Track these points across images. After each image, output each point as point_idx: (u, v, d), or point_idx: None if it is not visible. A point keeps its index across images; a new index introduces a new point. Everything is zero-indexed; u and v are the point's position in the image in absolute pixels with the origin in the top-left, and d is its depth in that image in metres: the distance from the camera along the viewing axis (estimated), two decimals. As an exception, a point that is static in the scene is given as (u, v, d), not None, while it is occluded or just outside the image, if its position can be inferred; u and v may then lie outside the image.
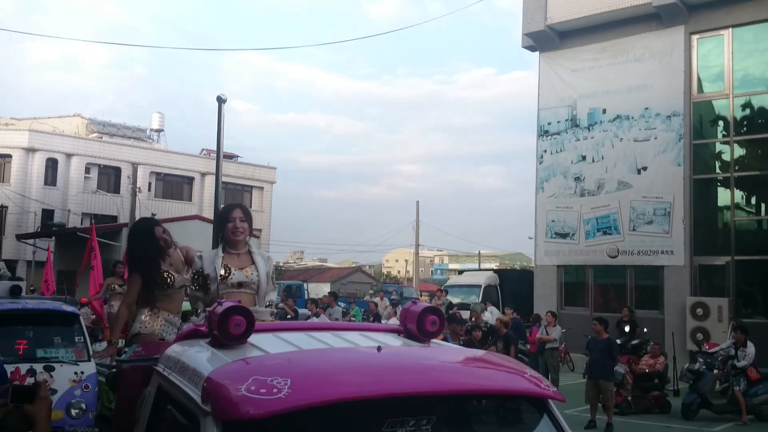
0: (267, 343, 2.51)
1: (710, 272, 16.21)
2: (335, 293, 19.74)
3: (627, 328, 15.03)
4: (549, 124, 18.70)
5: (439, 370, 2.35)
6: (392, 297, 21.87)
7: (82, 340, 6.84)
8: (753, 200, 16.70)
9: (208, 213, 27.88)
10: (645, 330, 14.99)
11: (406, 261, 66.49)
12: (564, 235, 18.10)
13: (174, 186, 39.70)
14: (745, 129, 16.45)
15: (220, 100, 5.53)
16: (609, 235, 17.33)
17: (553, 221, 18.31)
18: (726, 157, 16.51)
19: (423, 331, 2.74)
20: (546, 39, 18.53)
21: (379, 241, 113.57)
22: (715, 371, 10.62)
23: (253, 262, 4.33)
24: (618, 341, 11.42)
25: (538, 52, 19.05)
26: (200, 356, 2.44)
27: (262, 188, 42.16)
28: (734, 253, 15.80)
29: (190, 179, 40.16)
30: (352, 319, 19.05)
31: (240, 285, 4.20)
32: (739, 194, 16.47)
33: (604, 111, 17.69)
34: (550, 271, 18.30)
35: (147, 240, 4.90)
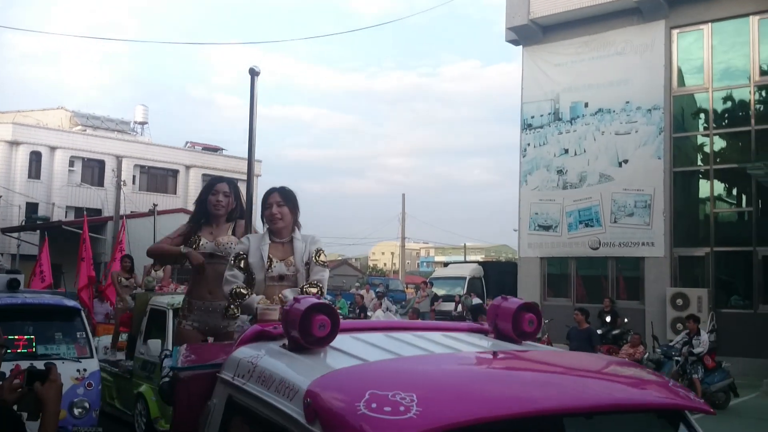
0: (351, 347, 2.18)
1: (690, 263, 16.49)
2: (382, 292, 19.51)
3: (608, 319, 15.32)
4: (532, 117, 18.88)
5: (591, 383, 1.98)
6: (378, 289, 22.05)
7: (84, 335, 6.61)
8: (733, 192, 16.97)
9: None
10: (626, 320, 15.28)
11: (393, 254, 66.67)
12: (547, 228, 18.31)
13: (159, 179, 39.58)
14: (725, 122, 16.70)
15: (253, 73, 5.54)
16: (591, 227, 17.56)
17: (537, 214, 18.51)
18: (706, 149, 16.76)
19: (519, 331, 2.46)
20: (529, 33, 18.68)
21: (365, 234, 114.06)
22: (675, 358, 10.88)
23: (294, 252, 3.89)
24: (599, 331, 11.66)
25: (521, 46, 19.20)
26: (283, 363, 2.11)
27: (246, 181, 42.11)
28: (714, 245, 16.07)
29: (175, 172, 40.05)
30: (339, 311, 19.21)
31: (281, 278, 3.83)
32: (718, 186, 16.73)
33: (586, 105, 17.89)
34: (534, 263, 18.52)
35: (202, 196, 4.65)
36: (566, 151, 18.15)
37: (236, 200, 4.65)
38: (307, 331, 2.11)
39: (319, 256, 3.93)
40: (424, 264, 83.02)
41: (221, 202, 4.50)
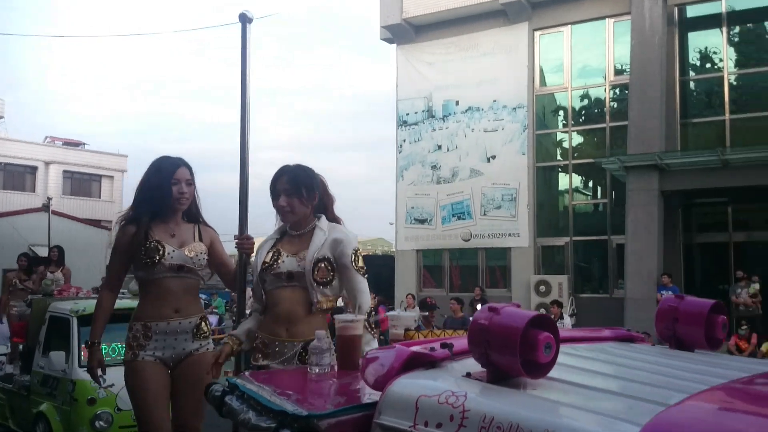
0: (564, 374, 1.64)
1: (551, 252, 17.62)
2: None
3: (479, 306, 16.04)
4: (407, 114, 19.41)
5: None
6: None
7: None
8: (590, 185, 18.28)
9: (57, 205, 26.28)
10: (496, 307, 16.11)
11: (266, 250, 65.67)
12: (422, 221, 18.91)
13: (16, 176, 36.97)
14: (582, 119, 17.97)
15: (245, 19, 3.37)
16: (463, 220, 18.33)
17: (413, 208, 19.07)
18: (565, 145, 17.95)
19: (713, 338, 2.07)
20: (402, 32, 19.18)
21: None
22: None
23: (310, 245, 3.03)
24: (471, 319, 12.24)
25: (395, 45, 19.68)
26: (520, 405, 1.44)
27: (112, 177, 40.19)
28: (572, 234, 17.27)
29: (34, 168, 37.57)
30: (215, 311, 18.87)
31: (290, 277, 2.97)
32: (576, 180, 17.99)
33: (457, 103, 18.62)
34: (410, 255, 19.08)
35: (154, 181, 3.46)
36: (439, 147, 18.82)
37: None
38: (531, 356, 1.51)
39: (357, 261, 3.02)
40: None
41: (185, 194, 3.48)
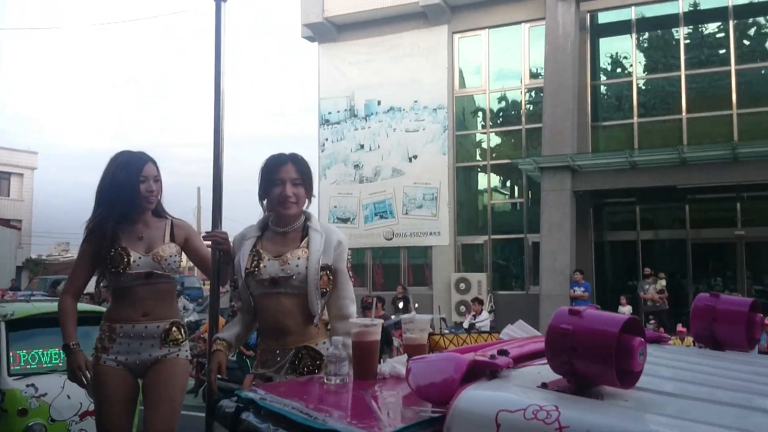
0: (647, 382, 1.48)
1: (471, 250, 18.02)
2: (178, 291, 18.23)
3: (401, 305, 16.27)
4: (329, 113, 19.42)
5: None
6: (174, 287, 21.34)
7: None
8: (507, 185, 18.78)
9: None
10: (416, 305, 16.27)
11: (186, 250, 64.27)
12: (345, 220, 18.97)
13: None
14: (500, 121, 18.43)
15: None
16: (385, 219, 18.50)
17: (336, 207, 19.10)
18: (484, 146, 18.37)
19: (751, 338, 2.00)
20: (324, 31, 19.16)
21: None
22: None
23: (304, 246, 2.73)
24: (393, 317, 12.38)
25: (317, 43, 19.65)
26: (610, 417, 1.29)
27: (21, 175, 38.50)
28: (491, 233, 17.71)
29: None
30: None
31: (274, 283, 2.68)
32: (495, 180, 18.45)
33: (379, 103, 18.77)
34: (332, 254, 19.08)
35: (124, 182, 3.17)
36: (362, 146, 18.92)
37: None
38: (625, 364, 1.37)
39: (348, 264, 2.85)
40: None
41: (154, 192, 3.22)
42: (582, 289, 14.22)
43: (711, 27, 16.29)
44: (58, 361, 5.27)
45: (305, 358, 2.69)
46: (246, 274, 2.69)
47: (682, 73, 16.03)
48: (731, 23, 15.75)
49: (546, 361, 1.50)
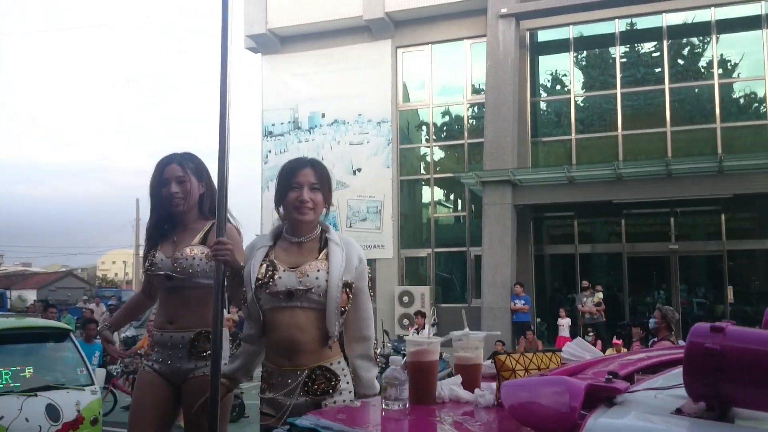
0: None
1: (415, 263, 18.10)
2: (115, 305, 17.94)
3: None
4: (273, 125, 19.27)
5: None
6: (110, 303, 20.80)
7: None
8: (450, 198, 18.96)
9: None
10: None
11: (125, 262, 62.96)
12: (287, 233, 18.80)
13: None
14: (443, 135, 18.63)
15: None
16: (328, 231, 18.41)
17: (278, 219, 18.90)
18: (428, 159, 18.52)
19: None
20: (268, 42, 19.05)
21: (93, 242, 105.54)
22: (402, 352, 11.99)
23: (323, 258, 2.53)
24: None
25: (260, 55, 19.51)
26: None
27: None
28: (434, 246, 17.83)
29: None
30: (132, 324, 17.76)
31: (290, 296, 2.45)
32: (438, 193, 18.61)
33: (323, 115, 18.73)
34: (274, 267, 18.90)
35: (152, 188, 3.09)
36: (305, 158, 18.82)
37: (205, 180, 3.14)
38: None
39: (369, 283, 2.67)
40: (161, 272, 79.57)
41: (177, 194, 3.03)
42: (522, 301, 14.43)
43: (646, 46, 16.85)
44: (14, 383, 5.00)
45: (319, 378, 2.48)
46: (257, 285, 2.46)
47: (618, 91, 16.52)
48: (665, 43, 16.33)
49: (655, 382, 1.40)
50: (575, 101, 17.08)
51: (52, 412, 4.96)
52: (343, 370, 2.53)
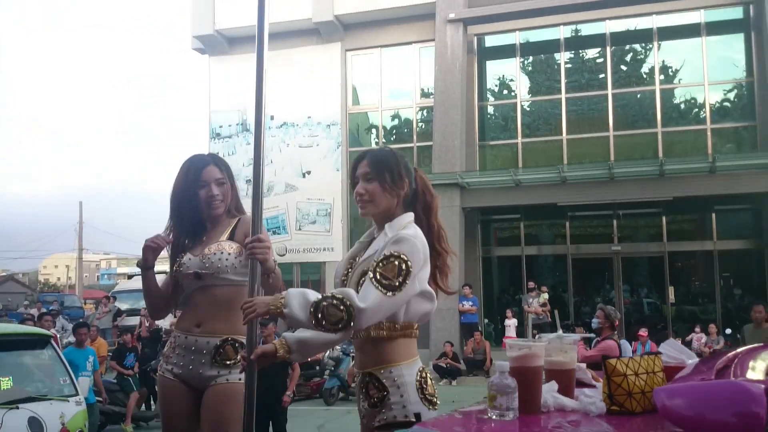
0: None
1: (365, 266, 18.09)
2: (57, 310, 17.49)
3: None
4: (221, 127, 19.04)
5: None
6: (52, 307, 20.25)
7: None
8: (399, 201, 19.01)
9: None
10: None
11: (68, 266, 61.41)
12: (236, 236, 18.60)
13: None
14: (393, 138, 18.68)
15: None
16: (278, 234, 18.27)
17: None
18: (377, 163, 18.55)
19: None
20: (215, 43, 18.82)
21: (34, 246, 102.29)
22: (351, 355, 11.97)
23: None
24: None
25: (208, 55, 19.26)
26: None
27: None
28: (384, 249, 17.85)
29: None
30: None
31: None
32: (387, 196, 18.65)
33: (272, 117, 18.57)
34: (222, 271, 18.68)
35: (181, 189, 2.95)
36: (253, 161, 18.66)
37: (231, 182, 3.06)
38: None
39: (385, 265, 2.18)
40: (105, 277, 77.71)
41: (217, 197, 2.94)
42: (470, 303, 14.59)
43: (590, 53, 17.23)
44: None
45: (369, 386, 2.28)
46: (341, 282, 2.44)
47: (563, 96, 16.85)
48: (609, 50, 16.73)
49: None
50: (522, 106, 17.35)
51: (35, 425, 4.66)
52: (396, 380, 2.25)
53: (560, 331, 1.98)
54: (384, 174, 2.31)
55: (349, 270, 2.39)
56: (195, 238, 2.96)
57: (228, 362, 2.82)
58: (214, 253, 2.82)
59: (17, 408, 4.59)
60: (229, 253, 2.83)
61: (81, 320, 13.64)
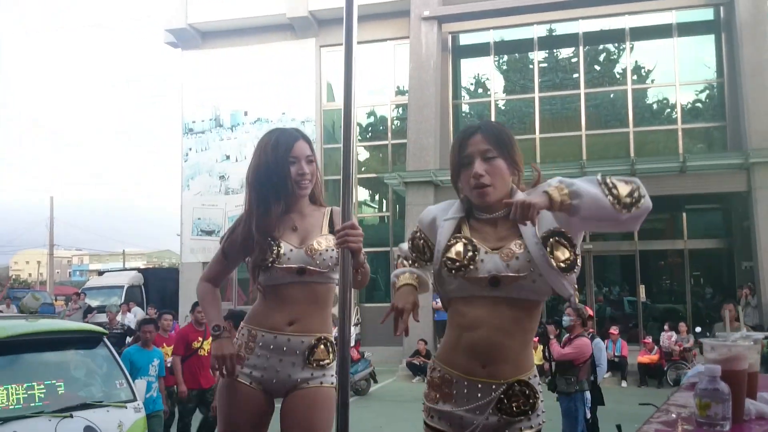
0: None
1: (339, 263, 18.04)
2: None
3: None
4: (194, 122, 18.86)
5: None
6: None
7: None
8: (375, 198, 19.00)
9: None
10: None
11: (39, 262, 60.56)
12: (210, 233, 18.45)
13: None
14: (368, 135, 18.65)
15: None
16: (251, 231, 18.17)
17: (199, 219, 18.54)
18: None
19: None
20: (188, 37, 18.62)
21: (4, 241, 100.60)
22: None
23: (521, 236, 1.97)
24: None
25: (180, 49, 19.06)
26: None
27: None
28: (359, 246, 17.82)
29: None
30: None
31: (495, 283, 1.93)
32: (363, 193, 18.62)
33: (246, 113, 18.45)
34: (196, 268, 18.47)
35: (267, 163, 2.67)
36: (228, 157, 18.51)
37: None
38: None
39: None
40: (77, 273, 76.70)
41: (306, 175, 2.68)
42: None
43: (564, 52, 17.33)
44: (42, 400, 4.09)
45: (518, 396, 1.98)
46: (454, 267, 1.96)
47: (537, 95, 16.92)
48: (582, 49, 16.83)
49: None
50: (496, 104, 17.40)
51: None
52: (539, 385, 2.05)
53: (744, 330, 1.83)
54: (505, 151, 2.00)
55: (473, 254, 1.95)
56: (280, 223, 2.66)
57: (322, 362, 2.59)
58: (325, 250, 2.59)
59: (71, 416, 4.09)
60: (333, 249, 2.58)
61: (146, 317, 12.87)
